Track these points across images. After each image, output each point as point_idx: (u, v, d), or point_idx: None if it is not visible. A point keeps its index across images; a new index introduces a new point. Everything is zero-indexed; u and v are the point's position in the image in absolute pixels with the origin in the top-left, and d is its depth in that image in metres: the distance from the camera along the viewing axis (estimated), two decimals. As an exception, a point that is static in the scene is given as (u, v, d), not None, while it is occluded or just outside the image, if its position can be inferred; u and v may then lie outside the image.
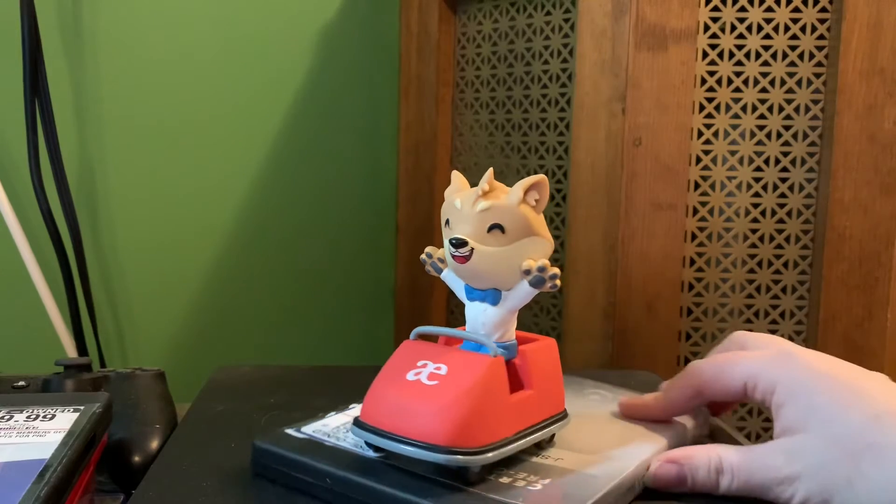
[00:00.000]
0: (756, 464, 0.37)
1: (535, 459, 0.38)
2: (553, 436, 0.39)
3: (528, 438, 0.37)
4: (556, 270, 0.35)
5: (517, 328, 0.39)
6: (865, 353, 0.61)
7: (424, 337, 0.38)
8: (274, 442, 0.38)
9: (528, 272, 0.35)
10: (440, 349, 0.37)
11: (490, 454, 0.34)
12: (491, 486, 0.35)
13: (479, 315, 0.37)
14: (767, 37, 0.62)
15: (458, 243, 0.35)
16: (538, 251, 0.36)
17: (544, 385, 0.38)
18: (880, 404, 0.36)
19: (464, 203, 0.36)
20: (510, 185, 0.37)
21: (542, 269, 0.35)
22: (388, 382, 0.36)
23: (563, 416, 0.39)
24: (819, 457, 0.35)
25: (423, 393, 0.35)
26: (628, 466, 0.38)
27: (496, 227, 0.35)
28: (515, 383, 0.37)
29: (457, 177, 0.37)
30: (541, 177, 0.36)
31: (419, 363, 0.36)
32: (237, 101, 0.85)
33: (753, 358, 0.40)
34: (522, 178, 0.36)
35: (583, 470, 0.37)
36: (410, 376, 0.36)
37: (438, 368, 0.36)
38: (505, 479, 0.36)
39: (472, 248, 0.35)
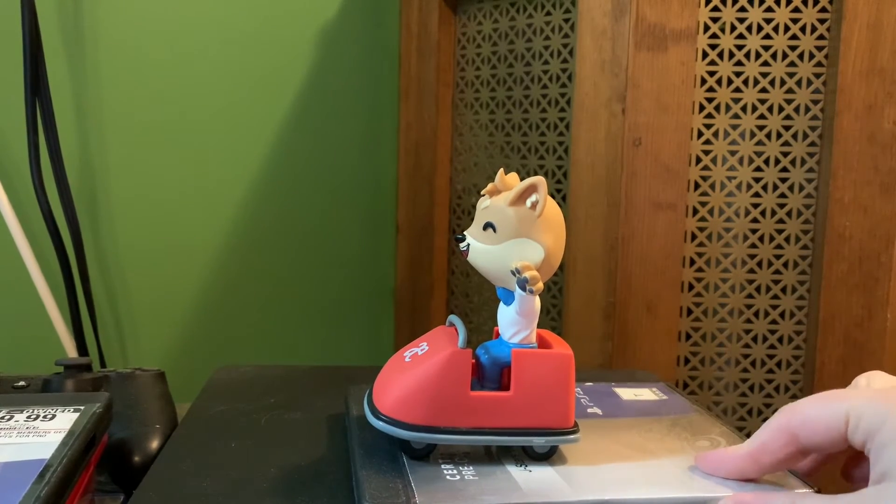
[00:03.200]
0: None
1: (509, 466, 0.37)
2: (553, 449, 0.38)
3: (484, 437, 0.37)
4: (532, 274, 0.35)
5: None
6: (865, 353, 0.61)
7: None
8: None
9: (513, 273, 0.36)
10: (444, 336, 0.38)
11: (422, 434, 0.36)
12: (421, 466, 0.37)
13: (500, 312, 0.38)
14: (767, 37, 0.62)
15: (458, 238, 0.37)
16: (528, 254, 0.36)
17: (532, 393, 0.37)
18: None
19: (481, 201, 0.38)
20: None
21: (517, 272, 0.35)
22: (394, 357, 0.39)
23: (562, 432, 0.37)
24: None
25: (396, 368, 0.38)
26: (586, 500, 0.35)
27: (489, 226, 0.36)
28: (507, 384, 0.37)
29: (500, 175, 0.38)
30: (537, 179, 0.36)
31: (421, 344, 0.39)
32: (237, 101, 0.85)
33: (861, 393, 0.35)
34: (522, 178, 0.37)
35: (528, 486, 0.35)
36: (406, 353, 0.38)
37: (423, 350, 0.38)
38: (446, 466, 0.37)
39: (469, 244, 0.37)
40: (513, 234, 0.36)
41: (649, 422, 0.44)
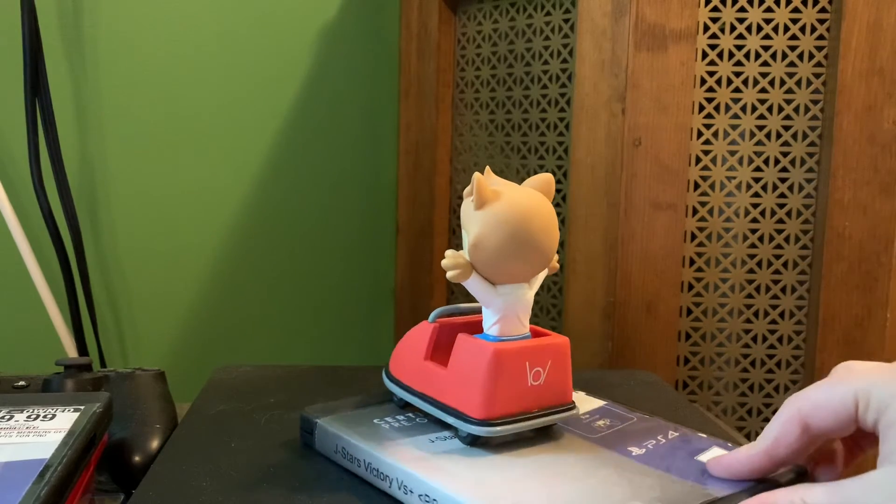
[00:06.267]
0: None
1: (429, 432, 0.40)
2: (472, 437, 0.38)
3: (423, 403, 0.40)
4: (444, 261, 0.38)
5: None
6: (865, 353, 0.61)
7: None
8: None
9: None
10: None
11: (391, 384, 0.43)
12: (386, 409, 0.43)
13: None
14: (767, 37, 0.62)
15: None
16: (463, 243, 0.39)
17: (461, 377, 0.38)
18: None
19: None
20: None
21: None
22: None
23: (473, 421, 0.37)
24: None
25: None
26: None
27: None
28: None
29: (486, 171, 0.40)
30: (475, 174, 0.37)
31: None
32: (237, 101, 0.85)
33: (866, 372, 0.33)
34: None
35: (398, 448, 0.38)
36: None
37: None
38: (397, 416, 0.42)
39: None
40: (463, 225, 0.39)
41: (666, 479, 0.36)
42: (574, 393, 0.44)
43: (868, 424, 0.32)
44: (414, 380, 0.41)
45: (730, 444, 0.39)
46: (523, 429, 0.38)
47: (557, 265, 0.40)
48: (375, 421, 0.41)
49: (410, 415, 0.42)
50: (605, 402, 0.46)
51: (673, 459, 0.38)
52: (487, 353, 0.37)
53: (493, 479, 0.35)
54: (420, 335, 0.41)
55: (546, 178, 0.39)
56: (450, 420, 0.38)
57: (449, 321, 0.41)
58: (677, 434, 0.41)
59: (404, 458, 0.37)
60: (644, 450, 0.39)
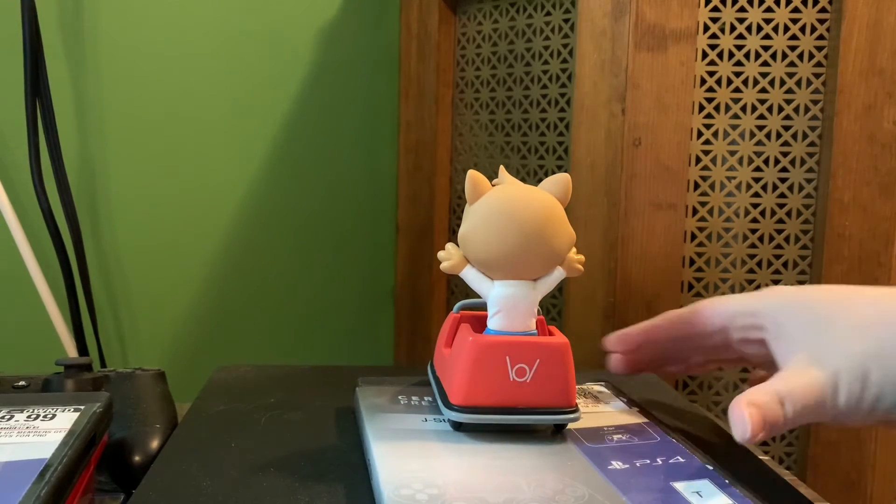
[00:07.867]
0: (800, 384, 0.36)
1: (429, 412, 0.42)
2: (454, 423, 0.40)
3: (434, 383, 0.43)
4: (440, 252, 0.40)
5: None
6: (865, 353, 0.61)
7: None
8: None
9: None
10: None
11: (428, 368, 0.46)
12: (425, 389, 0.46)
13: None
14: (767, 37, 0.62)
15: None
16: None
17: (453, 363, 0.40)
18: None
19: None
20: None
21: None
22: None
23: (450, 406, 0.39)
24: (843, 346, 0.36)
25: None
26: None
27: None
28: None
29: (500, 171, 0.43)
30: (468, 172, 0.39)
31: None
32: (237, 101, 0.85)
33: (740, 296, 0.43)
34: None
35: (392, 422, 0.40)
36: None
37: None
38: (426, 397, 0.44)
39: None
40: None
41: (606, 493, 0.34)
42: (627, 406, 0.45)
43: (738, 335, 0.42)
44: (437, 364, 0.44)
45: (726, 481, 0.36)
46: (494, 421, 0.39)
47: (580, 267, 0.40)
48: (399, 397, 0.44)
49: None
50: (646, 421, 0.43)
51: (644, 481, 0.36)
52: (466, 343, 0.39)
53: (437, 462, 0.36)
54: (445, 325, 0.44)
55: (559, 179, 0.39)
56: (438, 402, 0.40)
57: (473, 314, 0.43)
58: (682, 461, 0.38)
59: (377, 428, 0.39)
60: (627, 466, 0.37)
